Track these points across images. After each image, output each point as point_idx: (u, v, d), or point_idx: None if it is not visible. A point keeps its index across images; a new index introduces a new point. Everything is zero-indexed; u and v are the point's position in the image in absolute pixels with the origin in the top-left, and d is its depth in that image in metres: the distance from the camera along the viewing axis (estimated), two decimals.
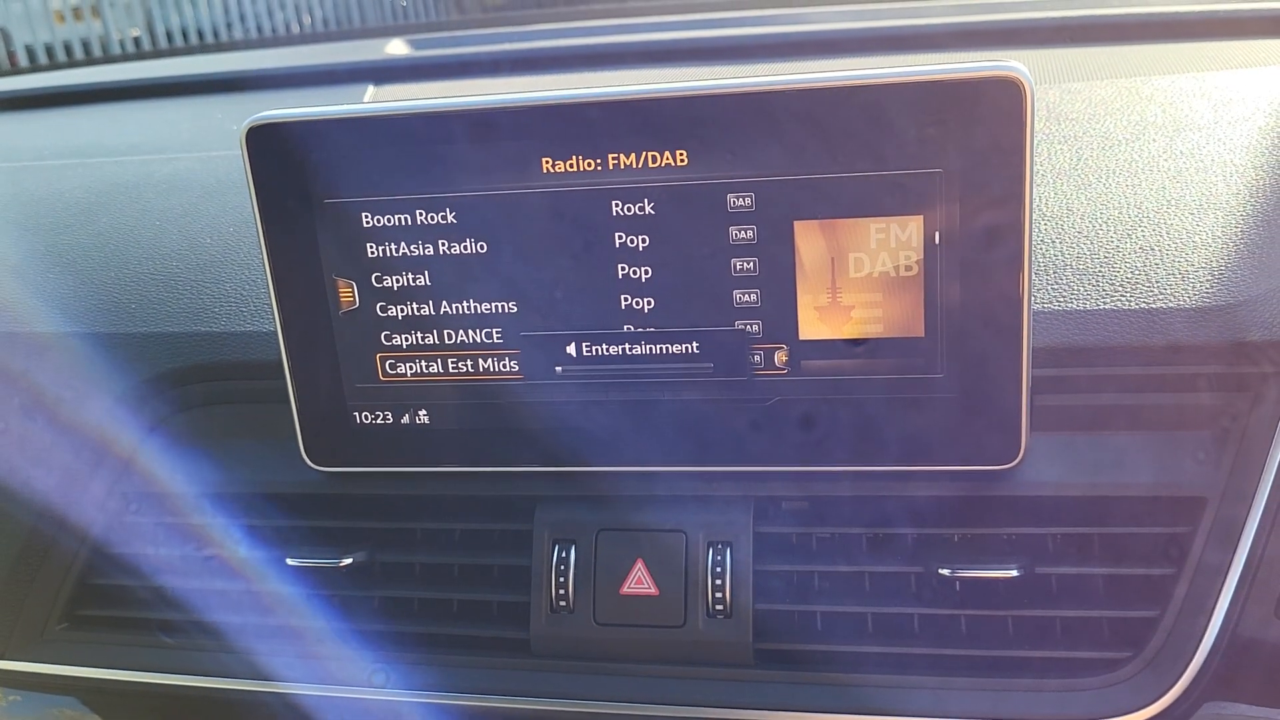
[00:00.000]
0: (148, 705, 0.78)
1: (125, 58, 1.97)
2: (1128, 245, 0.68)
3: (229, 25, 8.16)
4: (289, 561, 0.73)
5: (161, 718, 0.79)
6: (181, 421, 0.77)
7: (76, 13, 7.86)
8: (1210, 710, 0.64)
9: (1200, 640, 0.63)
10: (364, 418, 0.70)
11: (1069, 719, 0.64)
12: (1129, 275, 0.66)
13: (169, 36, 7.86)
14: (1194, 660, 0.63)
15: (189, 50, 1.83)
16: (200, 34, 7.97)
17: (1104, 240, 0.69)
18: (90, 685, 0.78)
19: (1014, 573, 0.65)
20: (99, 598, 0.79)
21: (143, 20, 8.02)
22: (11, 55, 7.19)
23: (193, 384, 0.77)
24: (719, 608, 0.68)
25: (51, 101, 1.40)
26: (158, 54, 1.89)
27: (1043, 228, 0.71)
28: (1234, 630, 0.63)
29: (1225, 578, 0.63)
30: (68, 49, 7.51)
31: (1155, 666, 0.64)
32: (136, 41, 7.84)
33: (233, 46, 1.83)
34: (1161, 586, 0.65)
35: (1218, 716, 0.64)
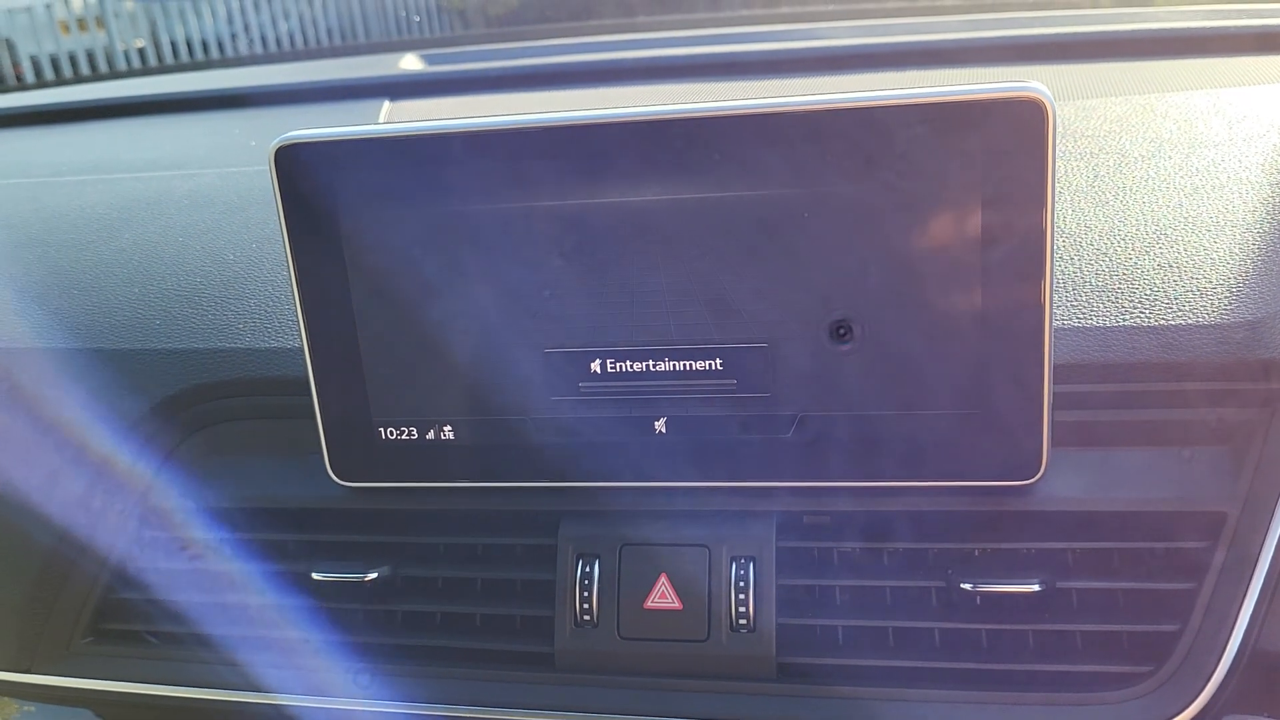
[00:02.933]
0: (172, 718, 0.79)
1: (130, 71, 1.98)
2: (1146, 262, 0.69)
3: (233, 37, 8.19)
4: (315, 576, 0.74)
5: None
6: (206, 437, 0.78)
7: (81, 24, 7.88)
8: None
9: (1221, 655, 0.63)
10: (389, 434, 0.71)
11: None
12: (1148, 292, 0.67)
13: (174, 48, 7.88)
14: (1215, 675, 0.63)
15: (195, 65, 1.84)
16: (205, 46, 7.99)
17: (1122, 257, 0.70)
18: (113, 699, 0.78)
19: (1035, 587, 0.66)
20: (125, 612, 0.80)
21: (147, 31, 8.04)
22: (16, 67, 7.21)
23: (218, 400, 0.77)
24: (742, 622, 0.68)
25: (65, 117, 1.41)
26: (164, 68, 1.90)
27: (1061, 244, 0.71)
28: (1255, 644, 0.63)
29: (1246, 592, 0.63)
30: (73, 61, 7.53)
31: (1176, 681, 0.64)
32: (141, 53, 7.86)
33: (239, 60, 1.84)
34: (1182, 601, 0.65)
35: None
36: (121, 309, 0.82)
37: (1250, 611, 0.63)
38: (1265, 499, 0.64)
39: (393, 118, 1.17)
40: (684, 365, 0.66)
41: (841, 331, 0.64)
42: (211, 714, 0.76)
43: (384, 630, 0.75)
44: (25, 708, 0.84)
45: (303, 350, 0.70)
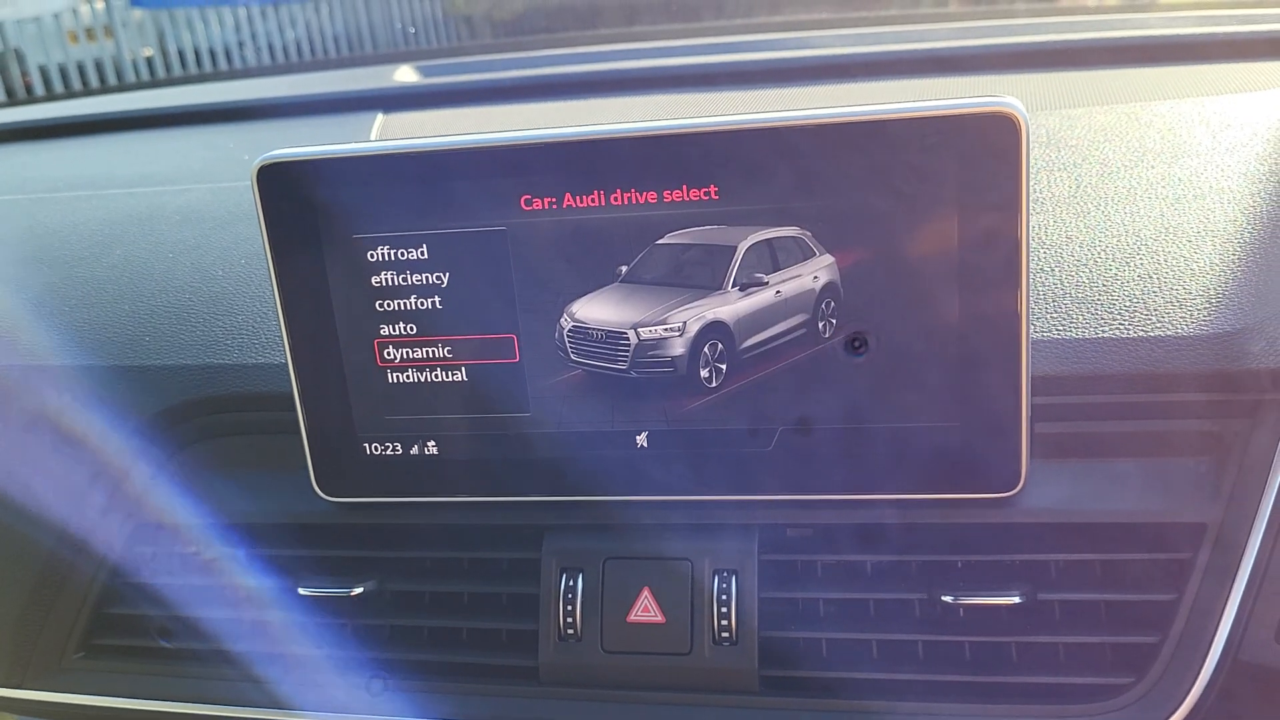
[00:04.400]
0: None
1: (139, 82, 1.99)
2: (1126, 273, 0.69)
3: (240, 44, 8.22)
4: (300, 591, 0.74)
5: None
6: (194, 453, 0.78)
7: (89, 33, 7.92)
8: None
9: (1201, 665, 0.63)
10: (373, 449, 0.71)
11: None
12: (1128, 303, 0.67)
13: (181, 58, 7.92)
14: (1195, 685, 0.63)
15: (201, 77, 1.85)
16: (212, 55, 8.04)
17: (1103, 268, 0.70)
18: (107, 714, 0.79)
19: (1016, 599, 0.66)
20: (115, 627, 0.81)
21: (155, 40, 8.08)
22: (25, 77, 7.25)
23: (205, 416, 0.78)
24: (725, 635, 0.69)
25: (65, 131, 1.42)
26: (170, 81, 1.91)
27: (1041, 255, 0.71)
28: (1235, 655, 0.63)
29: (1226, 603, 0.63)
30: (81, 71, 7.58)
31: (1158, 691, 0.64)
32: (149, 62, 7.90)
33: (245, 72, 1.84)
34: (1163, 612, 0.65)
35: None
36: (111, 326, 0.82)
37: (1231, 622, 0.63)
38: (1245, 509, 0.64)
39: (386, 131, 1.18)
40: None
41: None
42: None
43: (370, 645, 0.75)
44: None
45: (287, 366, 0.70)
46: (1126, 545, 0.66)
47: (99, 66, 7.73)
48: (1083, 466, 0.67)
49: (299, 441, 0.72)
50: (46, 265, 0.92)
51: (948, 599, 0.67)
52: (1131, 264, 0.70)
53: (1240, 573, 0.63)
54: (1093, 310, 0.67)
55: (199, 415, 0.78)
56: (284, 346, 0.70)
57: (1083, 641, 0.66)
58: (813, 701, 0.69)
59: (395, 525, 0.75)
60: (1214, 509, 0.65)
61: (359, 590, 0.74)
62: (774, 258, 0.64)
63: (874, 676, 0.68)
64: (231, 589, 0.77)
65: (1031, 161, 0.75)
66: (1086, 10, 1.29)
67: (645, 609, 0.70)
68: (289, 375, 0.70)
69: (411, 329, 0.68)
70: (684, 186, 0.63)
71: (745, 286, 0.65)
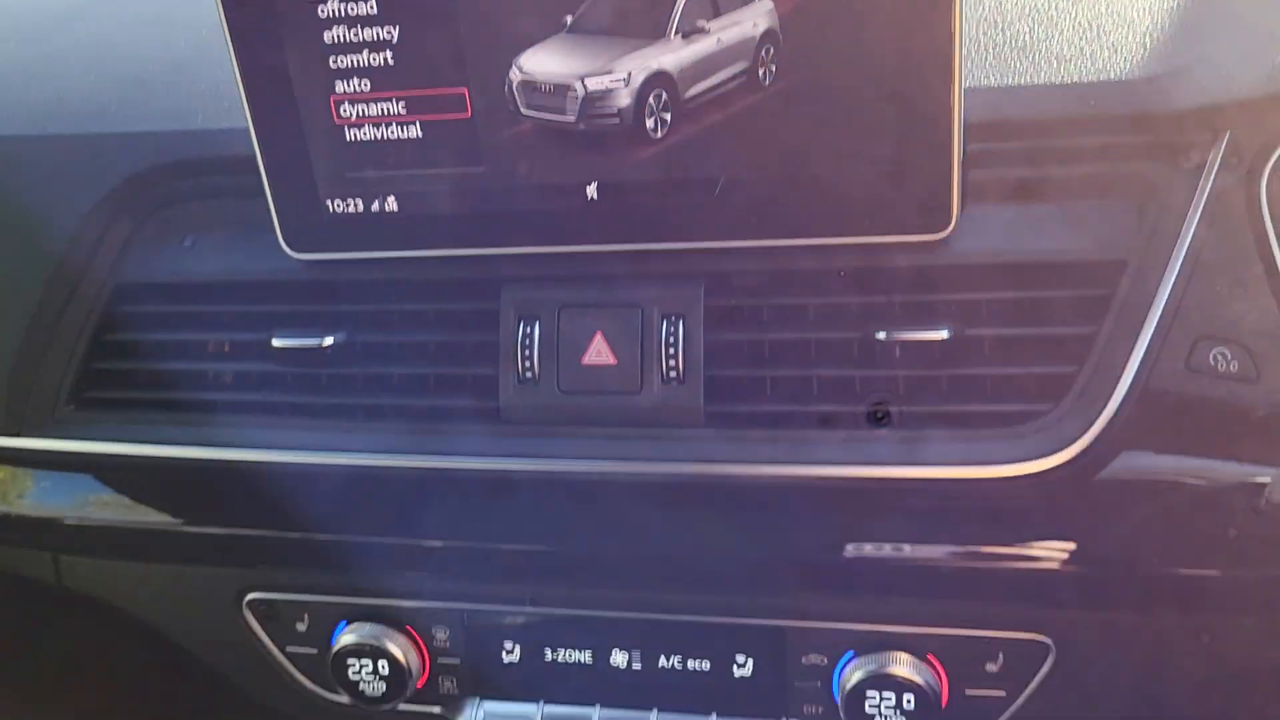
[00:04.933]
0: (154, 478, 0.86)
1: None
2: (1066, 21, 0.70)
3: None
4: (275, 343, 0.78)
5: (167, 488, 0.87)
6: (167, 215, 0.82)
7: None
8: (1127, 459, 0.69)
9: (1113, 391, 0.68)
10: (336, 206, 0.74)
11: (995, 464, 0.70)
12: (1063, 50, 0.69)
13: None
14: (1107, 408, 0.67)
15: None
16: None
17: (1044, 18, 0.71)
18: (101, 461, 0.84)
19: (944, 334, 0.70)
20: (103, 381, 0.85)
21: None
22: None
23: (175, 180, 0.80)
24: (673, 375, 0.73)
25: None
26: None
27: (986, 6, 0.73)
28: (1146, 382, 0.67)
29: (1139, 334, 0.67)
30: None
31: (1072, 414, 0.69)
32: None
33: None
34: (1080, 344, 0.69)
35: (1132, 465, 0.69)
36: (79, 96, 0.84)
37: (1143, 352, 0.67)
38: (1163, 247, 0.67)
39: None
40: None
41: None
42: (192, 470, 0.82)
43: (344, 391, 0.80)
44: (42, 483, 0.90)
45: (248, 127, 0.72)
46: (1050, 283, 0.69)
47: None
48: (1012, 210, 0.70)
49: (266, 204, 0.75)
50: (11, 43, 0.93)
51: (881, 336, 0.71)
52: (1072, 13, 0.71)
53: (1154, 307, 0.67)
54: (1030, 58, 0.69)
55: (168, 180, 0.81)
56: (244, 111, 0.72)
57: (1006, 373, 0.71)
58: (753, 433, 0.73)
59: (362, 280, 0.78)
60: (1134, 247, 0.68)
61: (330, 341, 0.78)
62: (715, 4, 0.65)
63: (812, 409, 0.73)
64: (210, 343, 0.82)
65: None
66: None
67: (598, 352, 0.74)
68: (251, 139, 0.73)
69: (365, 85, 0.70)
70: None
71: (688, 34, 0.66)
